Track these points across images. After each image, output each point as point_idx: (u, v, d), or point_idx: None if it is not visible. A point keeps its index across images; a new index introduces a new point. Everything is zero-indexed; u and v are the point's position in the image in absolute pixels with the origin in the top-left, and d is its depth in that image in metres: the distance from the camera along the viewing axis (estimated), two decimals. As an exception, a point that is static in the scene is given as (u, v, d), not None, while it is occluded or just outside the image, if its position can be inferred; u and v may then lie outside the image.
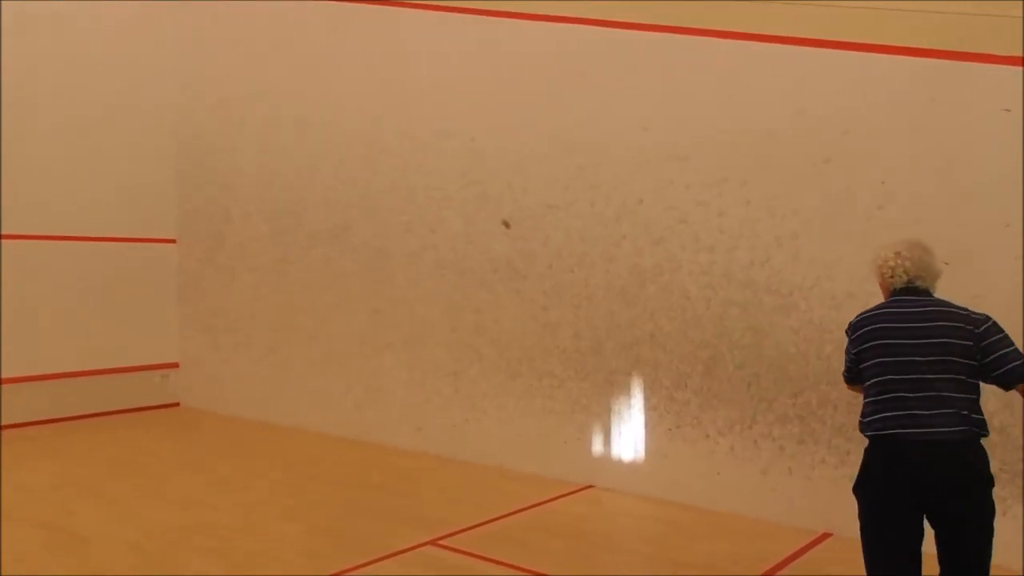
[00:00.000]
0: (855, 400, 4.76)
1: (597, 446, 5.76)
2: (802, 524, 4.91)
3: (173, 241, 8.26)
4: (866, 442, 2.92)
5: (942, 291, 4.50)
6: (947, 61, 4.57)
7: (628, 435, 5.63)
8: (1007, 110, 4.38)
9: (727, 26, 5.22)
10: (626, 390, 5.63)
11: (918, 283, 2.98)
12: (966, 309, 2.90)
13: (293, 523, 4.82)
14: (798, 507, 4.97)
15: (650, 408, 5.53)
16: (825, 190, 4.92)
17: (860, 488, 2.88)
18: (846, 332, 3.06)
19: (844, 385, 3.24)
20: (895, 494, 2.74)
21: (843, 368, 3.15)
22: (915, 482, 2.70)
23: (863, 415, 2.89)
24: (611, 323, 5.69)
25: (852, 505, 4.76)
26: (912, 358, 2.78)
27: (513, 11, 6.11)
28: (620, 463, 5.67)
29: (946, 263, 4.51)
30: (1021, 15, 4.32)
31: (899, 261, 2.99)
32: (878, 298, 4.69)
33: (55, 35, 7.36)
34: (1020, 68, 4.36)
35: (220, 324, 7.99)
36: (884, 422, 2.78)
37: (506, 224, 4.72)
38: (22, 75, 7.11)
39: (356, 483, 5.78)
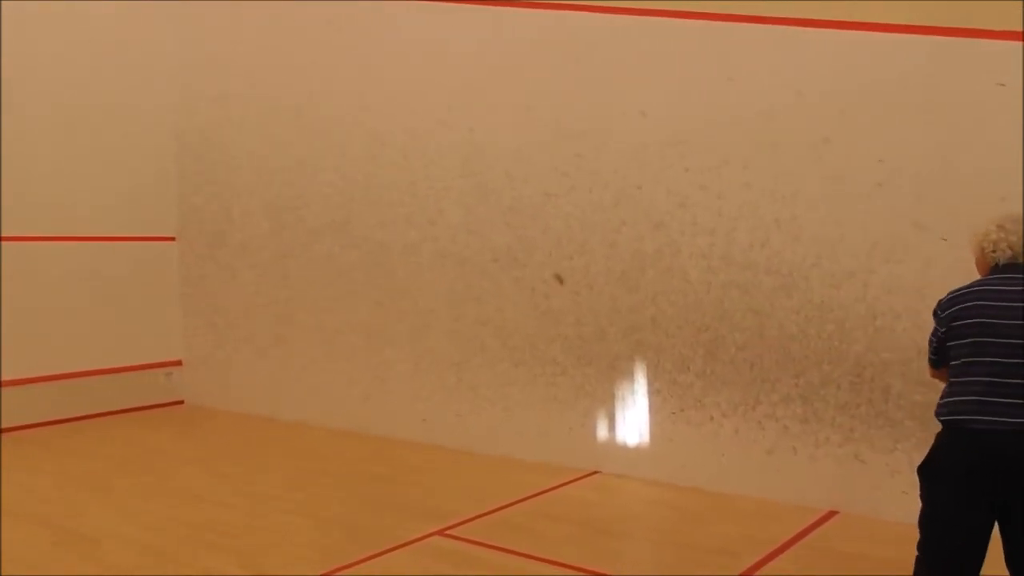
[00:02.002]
0: (857, 378, 4.80)
1: (602, 432, 5.78)
2: (808, 503, 4.93)
3: (173, 239, 8.26)
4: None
5: (940, 265, 4.54)
6: (944, 38, 4.56)
7: (632, 420, 5.65)
8: (1001, 84, 4.37)
9: (723, 9, 5.21)
10: (629, 375, 5.65)
11: (1021, 260, 2.75)
12: None
13: (301, 517, 4.84)
14: (804, 486, 4.99)
15: (653, 392, 5.55)
16: (824, 170, 4.91)
17: (924, 474, 2.73)
18: (934, 313, 2.84)
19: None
20: (959, 482, 2.60)
21: (929, 353, 2.91)
22: (987, 474, 2.55)
23: (943, 397, 2.73)
24: (612, 309, 5.70)
25: (857, 482, 4.82)
26: (1008, 340, 2.58)
27: (510, 0, 6.09)
28: (625, 448, 5.69)
29: (944, 239, 4.56)
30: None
31: (1002, 235, 2.78)
32: (876, 276, 4.75)
33: (52, 33, 7.33)
34: (1017, 43, 4.35)
35: (223, 321, 8.00)
36: (963, 407, 2.61)
37: (559, 279, 4.73)
38: (19, 74, 7.09)
39: (363, 476, 5.80)
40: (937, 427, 2.76)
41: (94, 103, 7.64)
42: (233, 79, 7.80)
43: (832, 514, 4.83)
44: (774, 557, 4.21)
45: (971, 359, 2.65)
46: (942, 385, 2.83)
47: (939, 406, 2.73)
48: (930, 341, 2.88)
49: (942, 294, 4.49)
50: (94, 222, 7.68)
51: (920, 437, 4.61)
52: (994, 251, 2.79)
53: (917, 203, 4.64)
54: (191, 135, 8.14)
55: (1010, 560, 2.67)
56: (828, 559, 4.18)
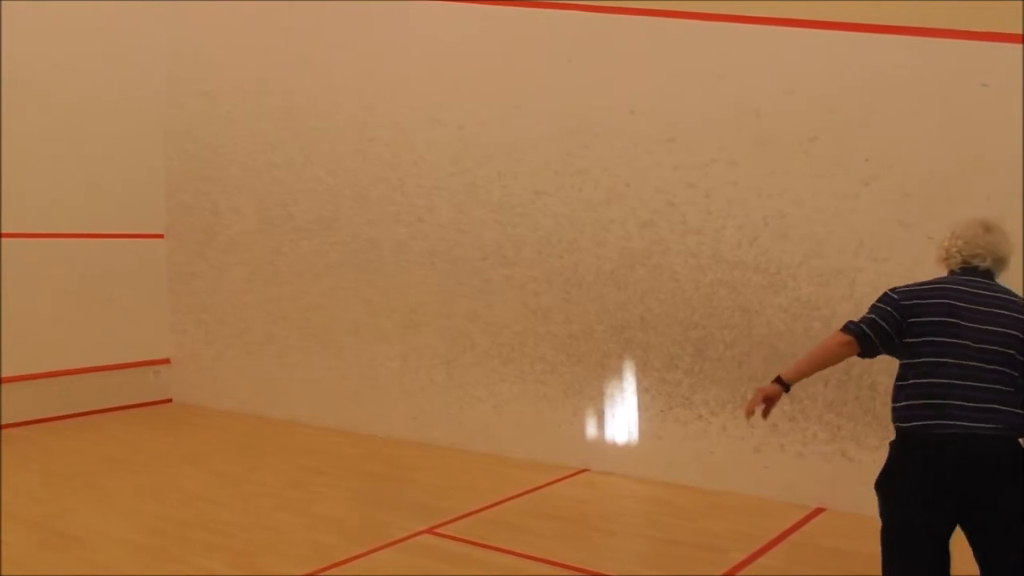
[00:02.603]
0: (844, 376, 4.83)
1: (591, 429, 5.80)
2: (796, 500, 4.97)
3: (161, 236, 8.22)
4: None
5: (926, 264, 4.56)
6: (929, 39, 4.60)
7: (621, 418, 5.67)
8: (985, 85, 4.41)
9: (713, 9, 5.23)
10: (618, 373, 5.67)
11: (976, 263, 2.68)
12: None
13: (293, 515, 4.84)
14: (791, 483, 5.02)
15: (642, 390, 5.57)
16: (812, 168, 4.95)
17: (884, 488, 2.61)
18: (887, 294, 2.68)
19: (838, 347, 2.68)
20: (922, 493, 2.48)
21: (855, 323, 2.67)
22: (948, 483, 2.45)
23: (898, 401, 2.59)
24: (602, 307, 5.71)
25: (844, 478, 4.86)
26: (981, 345, 2.49)
27: (498, -2, 6.10)
28: (614, 446, 5.71)
29: (930, 236, 4.58)
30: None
31: (953, 240, 2.75)
32: (863, 273, 4.78)
33: (39, 30, 7.28)
34: (1001, 44, 4.39)
35: (211, 319, 7.97)
36: (923, 412, 2.50)
37: None
38: (6, 71, 7.03)
39: (353, 473, 5.80)
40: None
41: (82, 100, 7.59)
42: (222, 76, 7.77)
43: (819, 511, 4.87)
44: (762, 553, 4.24)
45: (935, 359, 2.52)
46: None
47: (898, 411, 2.57)
48: (868, 318, 2.65)
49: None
50: (82, 219, 7.64)
51: (906, 434, 4.66)
52: (947, 256, 2.75)
53: (903, 202, 4.68)
54: (180, 132, 8.10)
55: (983, 562, 2.53)
56: (815, 555, 4.22)
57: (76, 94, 7.56)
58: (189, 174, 8.07)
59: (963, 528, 2.53)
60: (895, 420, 2.59)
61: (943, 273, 2.81)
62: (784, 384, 2.80)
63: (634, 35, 5.54)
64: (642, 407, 5.59)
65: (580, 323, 5.81)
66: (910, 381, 2.56)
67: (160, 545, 4.37)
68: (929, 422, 2.47)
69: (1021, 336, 2.52)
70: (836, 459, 4.90)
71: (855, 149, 4.81)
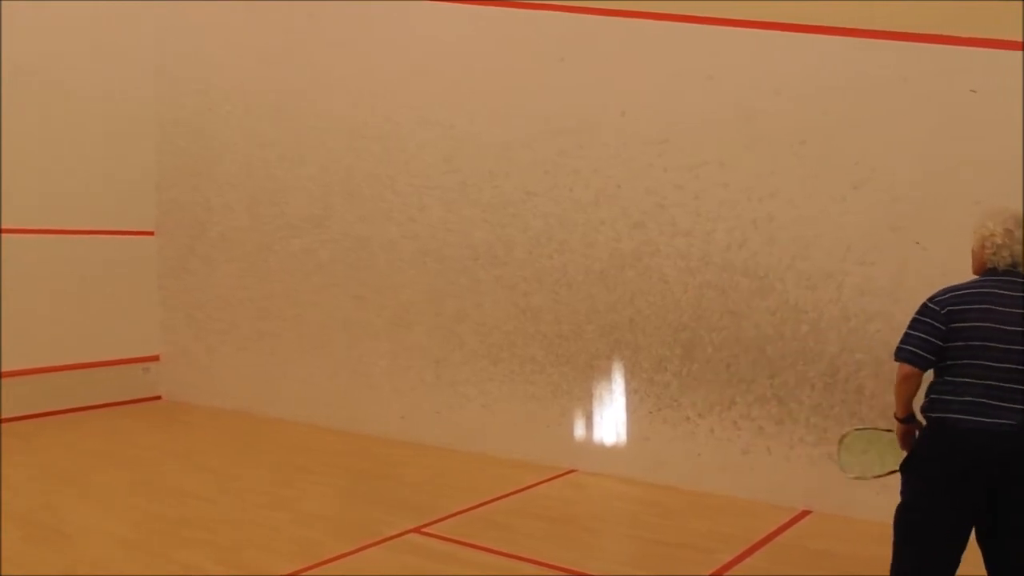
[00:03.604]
0: (831, 379, 4.86)
1: (579, 430, 5.82)
2: (782, 502, 4.99)
3: (152, 233, 8.20)
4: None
5: (913, 268, 4.61)
6: (920, 44, 4.62)
7: (610, 419, 5.69)
8: (973, 91, 4.45)
9: (704, 11, 5.25)
10: (607, 374, 5.68)
11: (1019, 268, 2.75)
12: None
13: (281, 512, 4.84)
14: (778, 485, 5.04)
15: (631, 392, 5.59)
16: (802, 171, 4.97)
17: (908, 469, 2.74)
18: (928, 307, 2.74)
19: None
20: (946, 478, 2.63)
21: (909, 348, 2.73)
22: (969, 469, 2.59)
23: (934, 394, 2.71)
24: (591, 308, 5.73)
25: (830, 481, 4.88)
26: (1009, 346, 2.61)
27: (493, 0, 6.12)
28: (602, 446, 5.73)
29: (917, 242, 4.63)
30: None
31: (1007, 240, 2.74)
32: (851, 277, 4.81)
33: (32, 24, 7.25)
34: (989, 50, 4.42)
35: (202, 315, 7.96)
36: (959, 407, 2.63)
37: None
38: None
39: (342, 471, 5.80)
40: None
41: (74, 96, 7.57)
42: (215, 73, 7.76)
43: (805, 513, 4.89)
44: (748, 555, 4.26)
45: (969, 362, 2.65)
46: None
47: (929, 402, 2.72)
48: (916, 340, 2.72)
49: (915, 297, 4.53)
50: (73, 215, 7.61)
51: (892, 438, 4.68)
52: (995, 254, 2.76)
53: (892, 205, 4.71)
54: (172, 128, 8.08)
55: (993, 562, 2.67)
56: (801, 557, 4.24)
57: (68, 90, 7.53)
58: (181, 171, 8.05)
59: (976, 525, 2.66)
60: (926, 410, 2.73)
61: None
62: (902, 420, 2.86)
63: (626, 37, 5.56)
64: (630, 408, 5.60)
65: (569, 324, 5.82)
66: (946, 378, 2.70)
67: (146, 540, 4.36)
68: (959, 416, 2.62)
69: None
70: (822, 462, 4.92)
71: (844, 152, 4.84)
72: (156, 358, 8.22)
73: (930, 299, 2.76)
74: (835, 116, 4.86)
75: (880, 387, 4.72)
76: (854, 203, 4.80)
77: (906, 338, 2.76)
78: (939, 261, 4.51)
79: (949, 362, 2.69)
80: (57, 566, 4.00)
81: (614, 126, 5.58)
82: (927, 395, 2.75)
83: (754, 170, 5.11)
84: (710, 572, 4.02)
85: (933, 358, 2.71)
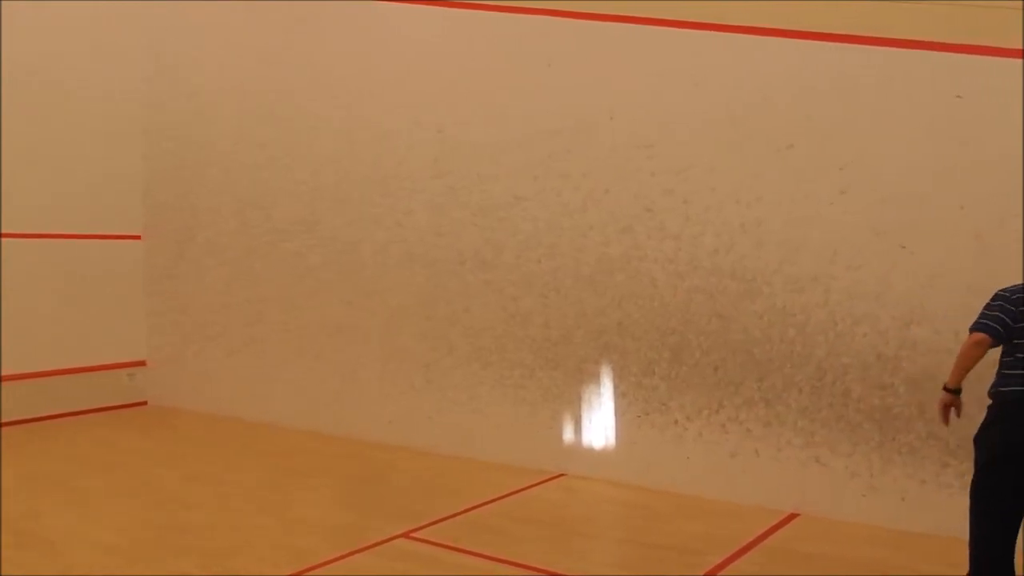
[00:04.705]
0: (818, 383, 4.89)
1: (569, 434, 5.82)
2: (770, 505, 5.01)
3: (139, 237, 8.15)
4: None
5: (902, 273, 4.65)
6: (906, 50, 4.67)
7: (599, 422, 5.70)
8: (959, 97, 4.49)
9: (692, 16, 5.28)
10: (596, 378, 5.69)
11: None
12: None
13: (269, 517, 4.82)
14: (766, 488, 5.07)
15: (619, 395, 5.60)
16: (789, 176, 5.00)
17: (980, 437, 3.19)
18: (1001, 294, 3.27)
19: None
20: (1008, 444, 3.06)
21: (984, 322, 3.25)
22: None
23: (999, 373, 3.20)
24: (580, 312, 5.74)
25: (818, 484, 4.92)
26: None
27: (481, 2, 6.11)
28: (591, 450, 5.74)
29: (903, 246, 4.67)
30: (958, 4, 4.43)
31: None
32: (838, 281, 4.84)
33: (18, 24, 7.19)
34: (975, 56, 4.47)
35: (189, 320, 7.91)
36: (1011, 380, 3.12)
37: None
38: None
39: (331, 476, 5.78)
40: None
41: (60, 98, 7.50)
42: (203, 76, 7.72)
43: (793, 516, 4.91)
44: (737, 557, 4.27)
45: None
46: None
47: (997, 380, 3.20)
48: (991, 317, 3.22)
49: (901, 300, 4.61)
50: (59, 219, 7.55)
51: (879, 440, 4.72)
52: None
53: (877, 210, 4.75)
54: (159, 131, 8.04)
55: None
56: (789, 560, 4.26)
57: (56, 93, 7.46)
58: (168, 174, 8.00)
59: None
60: (994, 387, 3.21)
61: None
62: (951, 390, 3.36)
63: (615, 41, 5.58)
64: (619, 412, 5.61)
65: (559, 328, 5.83)
66: (1008, 358, 3.19)
67: (132, 547, 4.33)
68: (1018, 388, 3.10)
69: None
70: (810, 465, 4.95)
71: (831, 157, 4.88)
72: (143, 363, 8.17)
73: (1001, 289, 3.28)
74: (821, 121, 4.90)
75: (866, 391, 4.75)
76: (841, 207, 4.84)
77: (980, 316, 3.26)
78: (925, 264, 4.56)
79: (1014, 343, 3.15)
80: (45, 574, 3.96)
81: (603, 130, 5.60)
82: (997, 375, 3.20)
83: (742, 174, 5.14)
84: (699, 575, 4.03)
85: (1004, 333, 3.18)
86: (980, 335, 3.22)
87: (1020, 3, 4.28)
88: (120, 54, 7.93)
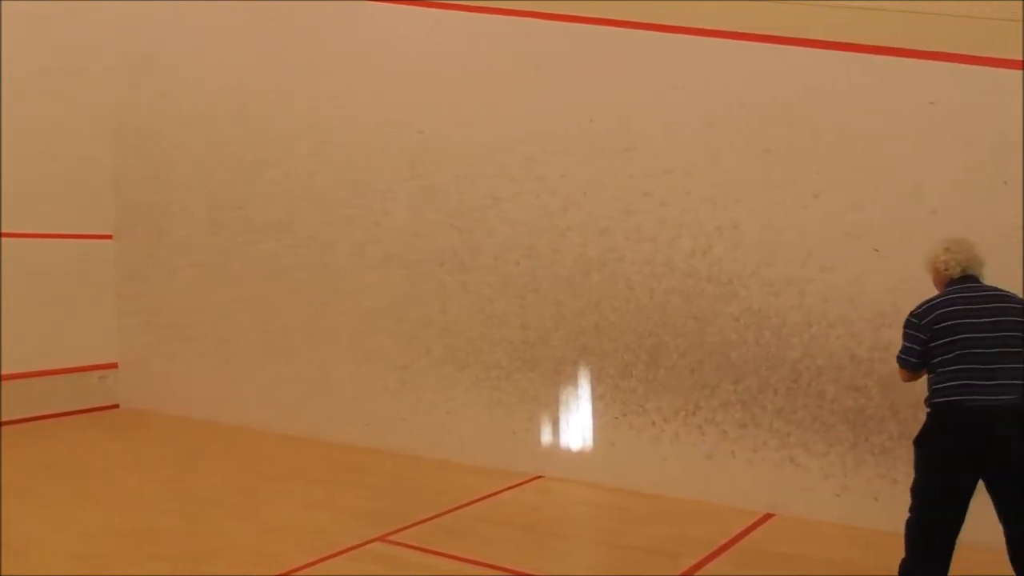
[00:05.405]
0: (794, 384, 4.93)
1: (545, 436, 5.82)
2: (746, 505, 5.04)
3: (110, 237, 8.03)
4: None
5: (875, 276, 4.70)
6: (881, 57, 4.73)
7: (576, 424, 5.70)
8: (931, 103, 4.55)
9: (670, 21, 5.31)
10: (573, 380, 5.69)
11: (970, 271, 3.39)
12: (1011, 292, 3.36)
13: (242, 522, 4.76)
14: (742, 489, 5.09)
15: (597, 397, 5.60)
16: (765, 180, 5.04)
17: (924, 446, 3.31)
18: (909, 323, 3.36)
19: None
20: (958, 454, 3.19)
21: (903, 356, 3.40)
22: (978, 442, 3.15)
23: (934, 385, 3.30)
24: (557, 314, 5.74)
25: (793, 484, 4.95)
26: (978, 335, 3.20)
27: (461, 4, 6.10)
28: (568, 452, 5.73)
29: (876, 249, 4.72)
30: (939, 13, 4.49)
31: (949, 255, 3.40)
32: (812, 284, 4.88)
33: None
34: (947, 63, 4.54)
35: (161, 322, 7.81)
36: (955, 391, 3.20)
37: None
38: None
39: (304, 480, 5.72)
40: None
41: (31, 96, 7.37)
42: (176, 75, 7.63)
43: (769, 516, 4.95)
44: (713, 558, 4.29)
45: (958, 353, 3.21)
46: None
47: (934, 392, 3.29)
48: (908, 349, 3.37)
49: (873, 302, 4.67)
50: (27, 218, 7.41)
51: (852, 441, 4.76)
52: (947, 269, 3.40)
53: (850, 214, 4.79)
54: (131, 130, 7.93)
55: (1003, 516, 3.22)
56: (764, 560, 4.28)
57: (26, 92, 7.34)
58: (140, 174, 7.90)
59: (987, 486, 3.22)
60: (931, 399, 3.31)
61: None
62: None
63: (594, 44, 5.59)
64: (596, 414, 5.62)
65: (536, 329, 5.82)
66: (939, 371, 3.28)
67: (101, 554, 4.25)
68: (956, 398, 3.20)
69: (1019, 319, 3.22)
70: (785, 465, 4.98)
71: (806, 162, 4.92)
72: (114, 365, 8.05)
73: (911, 313, 3.37)
74: (797, 126, 4.94)
75: (840, 392, 4.80)
76: (815, 211, 4.88)
77: (901, 348, 3.41)
78: (896, 267, 4.61)
79: (941, 356, 3.25)
80: (10, 580, 3.89)
81: (582, 133, 5.61)
82: (930, 387, 3.32)
83: (719, 178, 5.17)
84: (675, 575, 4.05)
85: (918, 362, 3.35)
86: (906, 373, 3.46)
87: (993, 13, 4.35)
88: (92, 52, 7.81)
